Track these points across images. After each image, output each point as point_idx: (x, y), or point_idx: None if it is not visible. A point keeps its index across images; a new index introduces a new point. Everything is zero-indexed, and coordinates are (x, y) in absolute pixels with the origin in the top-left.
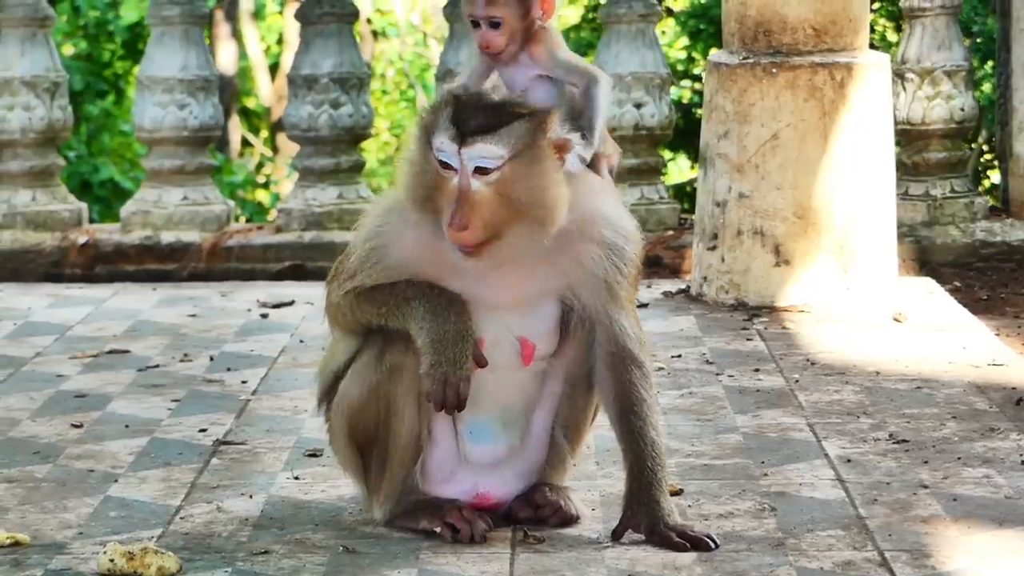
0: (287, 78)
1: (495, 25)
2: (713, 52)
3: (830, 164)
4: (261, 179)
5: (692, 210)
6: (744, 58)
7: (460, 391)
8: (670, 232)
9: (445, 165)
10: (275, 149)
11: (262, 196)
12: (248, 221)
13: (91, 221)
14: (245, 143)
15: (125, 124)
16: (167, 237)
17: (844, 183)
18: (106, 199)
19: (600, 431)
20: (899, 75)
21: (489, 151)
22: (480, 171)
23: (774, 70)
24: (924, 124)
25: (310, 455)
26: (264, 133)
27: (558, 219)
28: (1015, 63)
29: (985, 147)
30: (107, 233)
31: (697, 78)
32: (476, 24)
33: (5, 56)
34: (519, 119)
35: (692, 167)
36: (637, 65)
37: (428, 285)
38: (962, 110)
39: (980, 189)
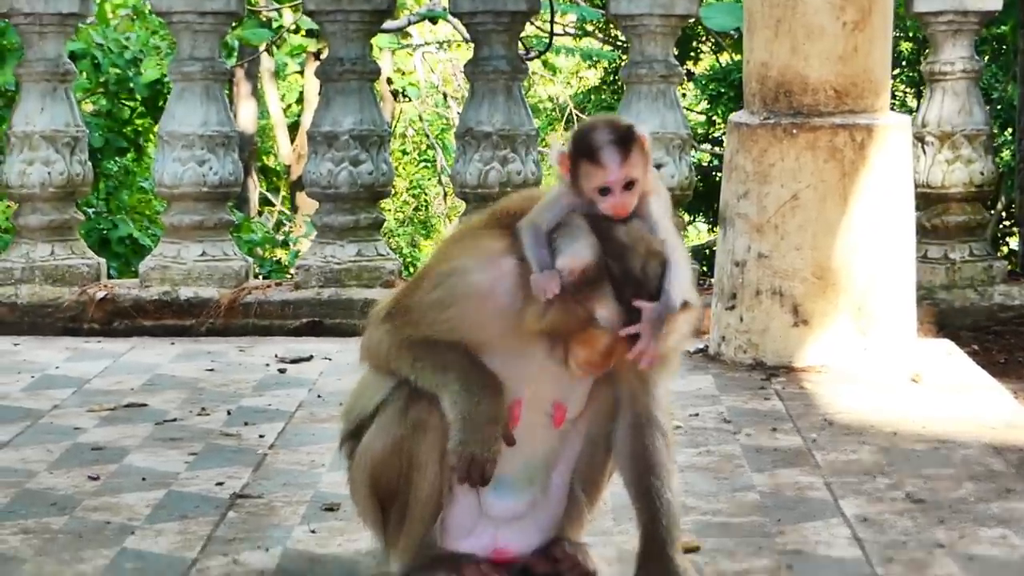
0: (307, 135)
1: (629, 186)
2: (734, 113)
3: (850, 225)
4: (280, 237)
5: (710, 272)
6: (765, 118)
7: (485, 471)
8: None
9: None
10: (294, 208)
11: (280, 254)
12: (266, 279)
13: (109, 277)
14: (264, 201)
15: (144, 181)
16: (185, 292)
17: (863, 244)
18: (124, 256)
19: (616, 487)
20: (919, 138)
21: None
22: None
23: (794, 131)
24: (944, 187)
25: (327, 509)
26: (283, 192)
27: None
28: None
29: (1004, 213)
30: (125, 288)
31: (717, 141)
32: (604, 191)
33: (26, 110)
34: None
35: (710, 230)
36: (657, 125)
37: (469, 358)
38: (982, 174)
39: (999, 255)
